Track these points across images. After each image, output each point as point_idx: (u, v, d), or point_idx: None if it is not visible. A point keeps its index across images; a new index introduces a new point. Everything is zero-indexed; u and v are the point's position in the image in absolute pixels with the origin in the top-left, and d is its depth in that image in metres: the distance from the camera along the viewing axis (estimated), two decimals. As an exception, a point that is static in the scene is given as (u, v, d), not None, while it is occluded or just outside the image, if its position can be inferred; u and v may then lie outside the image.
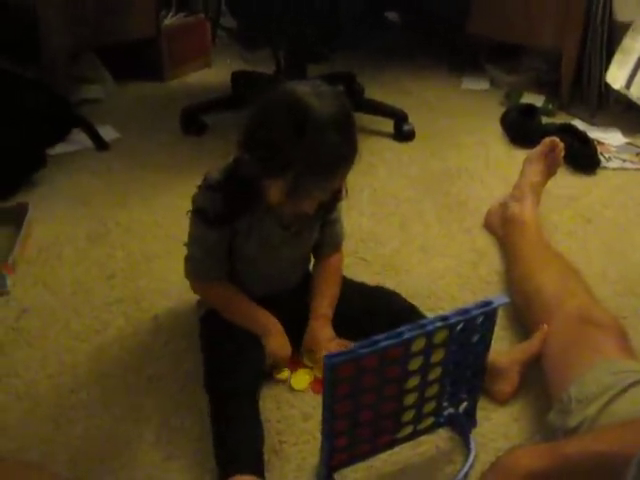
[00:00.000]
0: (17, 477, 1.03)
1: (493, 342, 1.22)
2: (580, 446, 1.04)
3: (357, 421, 1.13)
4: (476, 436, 1.28)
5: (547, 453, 1.03)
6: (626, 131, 2.51)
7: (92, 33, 2.56)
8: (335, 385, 1.05)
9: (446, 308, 1.54)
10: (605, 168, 2.29)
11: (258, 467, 1.17)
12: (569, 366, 1.26)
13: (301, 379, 1.40)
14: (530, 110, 2.51)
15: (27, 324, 1.55)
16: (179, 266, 1.43)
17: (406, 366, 1.11)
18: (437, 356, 1.14)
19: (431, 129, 2.53)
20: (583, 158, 2.26)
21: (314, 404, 1.34)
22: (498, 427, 1.32)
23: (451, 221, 1.98)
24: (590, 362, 1.22)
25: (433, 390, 1.19)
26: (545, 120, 2.53)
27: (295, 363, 1.43)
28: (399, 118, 2.46)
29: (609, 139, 2.46)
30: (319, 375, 1.38)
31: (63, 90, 2.43)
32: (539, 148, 1.89)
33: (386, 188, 2.14)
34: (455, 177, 2.22)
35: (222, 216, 1.31)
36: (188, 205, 1.35)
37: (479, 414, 1.31)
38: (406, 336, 1.06)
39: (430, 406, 1.22)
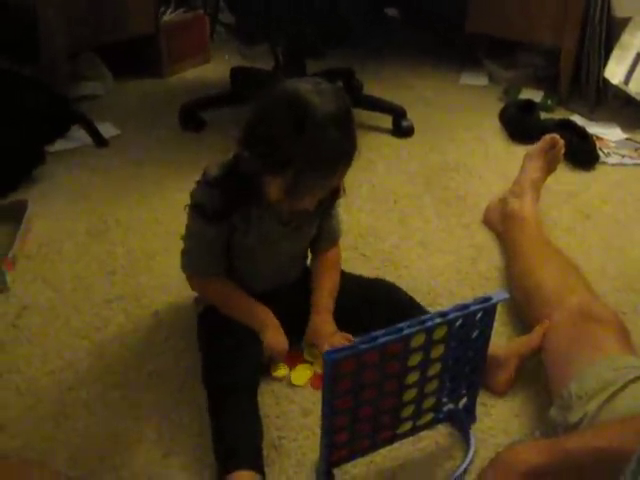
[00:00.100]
0: (18, 475, 1.03)
1: (492, 338, 1.22)
2: (580, 442, 1.04)
3: (357, 417, 1.13)
4: (476, 432, 1.28)
5: (547, 449, 1.03)
6: (625, 126, 2.51)
7: (91, 32, 2.56)
8: (335, 381, 1.05)
9: (445, 304, 1.54)
10: (604, 163, 2.29)
11: (257, 462, 1.17)
12: (569, 362, 1.26)
13: (301, 374, 1.41)
14: (529, 106, 2.51)
15: (27, 321, 1.55)
16: (179, 263, 1.43)
17: (405, 362, 1.11)
18: (436, 352, 1.14)
19: (430, 125, 2.53)
20: (582, 154, 2.26)
21: (314, 399, 1.34)
22: (498, 423, 1.32)
23: (450, 216, 1.98)
24: (590, 358, 1.22)
25: (433, 386, 1.19)
26: (544, 116, 2.53)
27: (295, 358, 1.43)
28: (398, 114, 2.46)
29: (608, 134, 2.46)
30: (319, 370, 1.39)
31: (63, 88, 2.43)
32: (539, 144, 1.89)
33: (385, 184, 2.15)
34: (454, 173, 2.22)
35: (220, 212, 1.31)
36: (187, 201, 1.36)
37: (479, 410, 1.31)
38: (406, 332, 1.06)
39: (430, 402, 1.22)
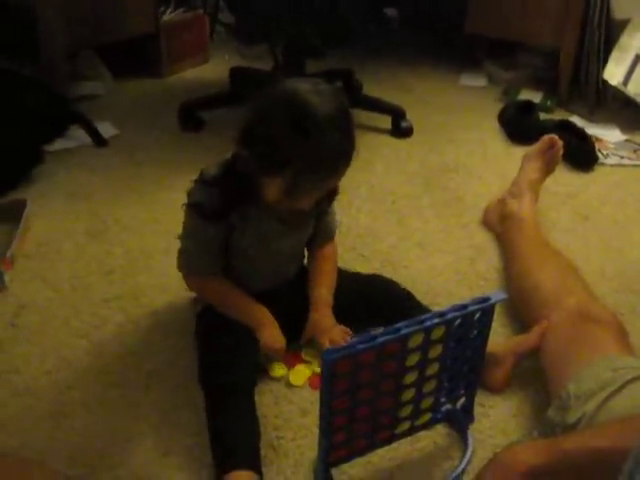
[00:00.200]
0: (17, 473, 1.03)
1: (491, 338, 1.22)
2: (579, 442, 1.04)
3: (355, 417, 1.13)
4: (474, 432, 1.28)
5: (545, 449, 1.04)
6: (624, 128, 2.52)
7: (91, 32, 2.56)
8: (333, 381, 1.05)
9: (444, 304, 1.54)
10: (603, 164, 2.30)
11: (255, 462, 1.17)
12: (568, 362, 1.26)
13: (299, 374, 1.41)
14: (528, 107, 2.51)
15: (25, 320, 1.55)
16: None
17: (403, 362, 1.11)
18: (434, 352, 1.14)
19: (429, 125, 2.53)
20: (581, 154, 2.26)
21: (312, 399, 1.34)
22: (496, 423, 1.32)
23: (449, 217, 1.98)
24: (589, 358, 1.22)
25: (430, 386, 1.19)
26: (543, 117, 2.54)
27: (293, 358, 1.43)
28: (397, 114, 2.46)
29: (607, 136, 2.47)
30: (317, 370, 1.39)
31: (62, 88, 2.43)
32: (538, 145, 1.90)
33: (384, 184, 2.15)
34: (453, 173, 2.22)
35: (218, 211, 1.30)
36: (186, 200, 1.35)
37: (477, 410, 1.32)
38: (403, 332, 1.06)
39: (428, 402, 1.22)
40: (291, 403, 1.35)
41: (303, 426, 1.30)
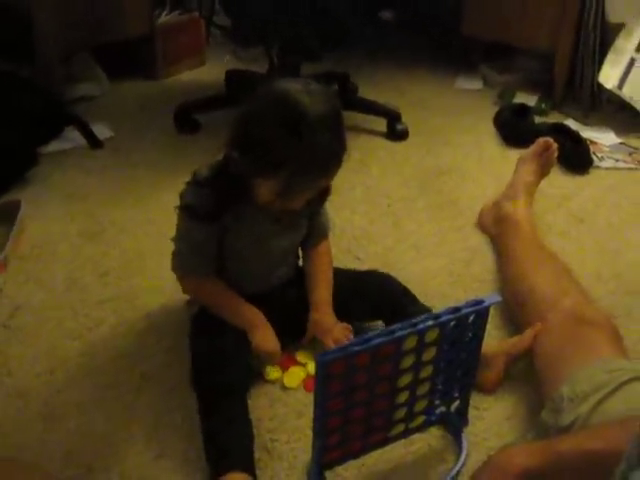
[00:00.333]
0: (8, 476, 1.02)
1: (485, 340, 1.22)
2: (573, 444, 1.04)
3: (349, 419, 1.13)
4: (468, 435, 1.28)
5: (540, 451, 1.04)
6: (619, 131, 2.52)
7: (87, 34, 2.56)
8: (327, 382, 1.05)
9: (438, 306, 1.53)
10: (598, 168, 2.30)
11: (249, 464, 1.17)
12: (562, 365, 1.26)
13: (294, 377, 1.41)
14: (523, 110, 2.52)
15: (19, 322, 1.55)
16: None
17: (398, 364, 1.11)
18: (429, 354, 1.14)
19: (424, 128, 2.53)
20: (576, 158, 2.27)
21: (306, 402, 1.34)
22: (490, 426, 1.32)
23: (444, 220, 1.98)
24: (583, 361, 1.22)
25: (425, 388, 1.19)
26: (538, 120, 2.54)
27: (288, 360, 1.43)
28: (392, 118, 2.46)
29: (602, 139, 2.47)
30: (312, 372, 1.38)
31: (57, 90, 2.42)
32: (533, 148, 1.90)
33: (379, 187, 2.15)
34: (448, 176, 2.22)
35: (210, 212, 1.30)
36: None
37: (471, 413, 1.32)
38: (398, 334, 1.06)
39: (422, 404, 1.22)
40: (286, 405, 1.35)
41: (297, 429, 1.30)
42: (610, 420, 1.08)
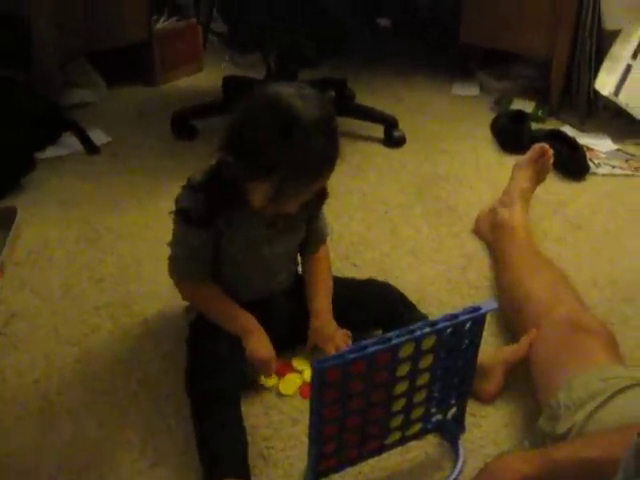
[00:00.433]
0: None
1: (482, 347, 1.22)
2: (570, 452, 1.04)
3: (345, 426, 1.13)
4: (465, 442, 1.27)
5: (536, 459, 1.04)
6: (615, 137, 2.52)
7: (84, 41, 2.56)
8: (323, 390, 1.05)
9: (435, 313, 1.54)
10: (594, 174, 2.30)
11: (243, 471, 1.17)
12: (558, 372, 1.26)
13: (290, 384, 1.40)
14: (520, 116, 2.52)
15: (15, 328, 1.54)
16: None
17: (394, 372, 1.11)
18: (425, 362, 1.14)
19: (421, 134, 2.53)
20: (572, 164, 2.27)
21: (302, 409, 1.33)
22: (487, 433, 1.32)
23: (441, 226, 1.99)
24: (579, 368, 1.22)
25: (421, 396, 1.19)
26: (535, 126, 2.54)
27: (284, 367, 1.42)
28: (389, 124, 2.47)
29: (598, 145, 2.47)
30: (308, 379, 1.38)
31: (55, 96, 2.42)
32: (528, 154, 1.90)
33: (376, 193, 2.15)
34: (445, 182, 2.23)
35: (205, 217, 1.30)
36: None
37: (468, 420, 1.31)
38: (394, 342, 1.06)
39: (418, 412, 1.22)
40: (281, 413, 1.35)
41: (293, 436, 1.30)
42: (606, 428, 1.08)
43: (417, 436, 1.26)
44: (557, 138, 2.34)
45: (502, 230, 1.77)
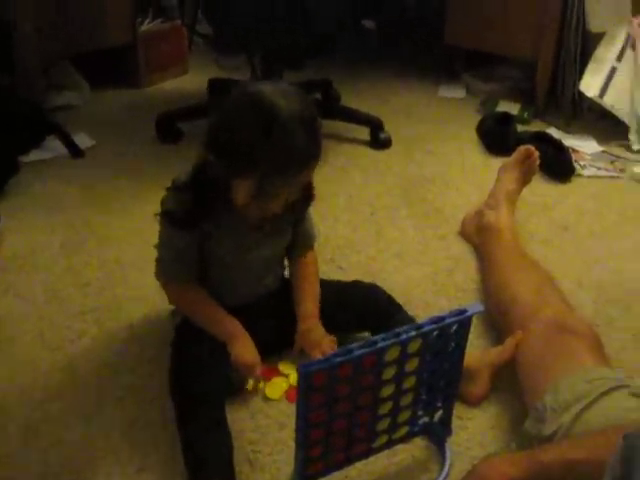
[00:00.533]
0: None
1: (468, 350, 1.21)
2: (556, 454, 1.04)
3: (331, 430, 1.12)
4: (452, 445, 1.27)
5: (523, 461, 1.04)
6: (601, 139, 2.53)
7: (68, 43, 2.55)
8: (309, 393, 1.04)
9: (421, 315, 1.54)
10: (580, 176, 2.31)
11: (228, 475, 1.16)
12: (544, 373, 1.26)
13: (276, 388, 1.40)
14: (506, 118, 2.53)
15: (0, 333, 1.53)
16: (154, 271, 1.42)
17: (380, 375, 1.11)
18: (411, 365, 1.13)
19: (407, 136, 2.54)
20: (558, 166, 2.28)
21: (289, 413, 1.33)
22: (474, 436, 1.32)
23: (427, 228, 1.99)
24: (565, 370, 1.23)
25: (408, 399, 1.19)
26: (520, 128, 2.55)
27: (270, 371, 1.42)
28: (375, 126, 2.47)
29: (584, 147, 2.48)
30: (294, 383, 1.37)
31: (38, 99, 2.41)
32: (514, 156, 1.91)
33: (362, 195, 2.15)
34: (431, 184, 2.23)
35: (190, 218, 1.30)
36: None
37: (455, 422, 1.31)
38: (380, 345, 1.06)
39: (405, 415, 1.21)
40: (268, 417, 1.34)
41: (280, 440, 1.29)
42: (592, 430, 1.08)
43: (404, 439, 1.26)
44: (543, 140, 2.35)
45: (488, 232, 1.78)
